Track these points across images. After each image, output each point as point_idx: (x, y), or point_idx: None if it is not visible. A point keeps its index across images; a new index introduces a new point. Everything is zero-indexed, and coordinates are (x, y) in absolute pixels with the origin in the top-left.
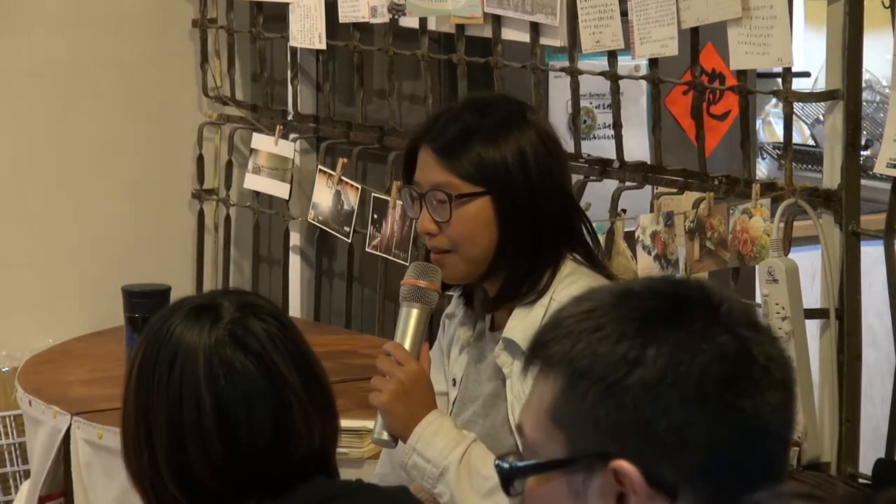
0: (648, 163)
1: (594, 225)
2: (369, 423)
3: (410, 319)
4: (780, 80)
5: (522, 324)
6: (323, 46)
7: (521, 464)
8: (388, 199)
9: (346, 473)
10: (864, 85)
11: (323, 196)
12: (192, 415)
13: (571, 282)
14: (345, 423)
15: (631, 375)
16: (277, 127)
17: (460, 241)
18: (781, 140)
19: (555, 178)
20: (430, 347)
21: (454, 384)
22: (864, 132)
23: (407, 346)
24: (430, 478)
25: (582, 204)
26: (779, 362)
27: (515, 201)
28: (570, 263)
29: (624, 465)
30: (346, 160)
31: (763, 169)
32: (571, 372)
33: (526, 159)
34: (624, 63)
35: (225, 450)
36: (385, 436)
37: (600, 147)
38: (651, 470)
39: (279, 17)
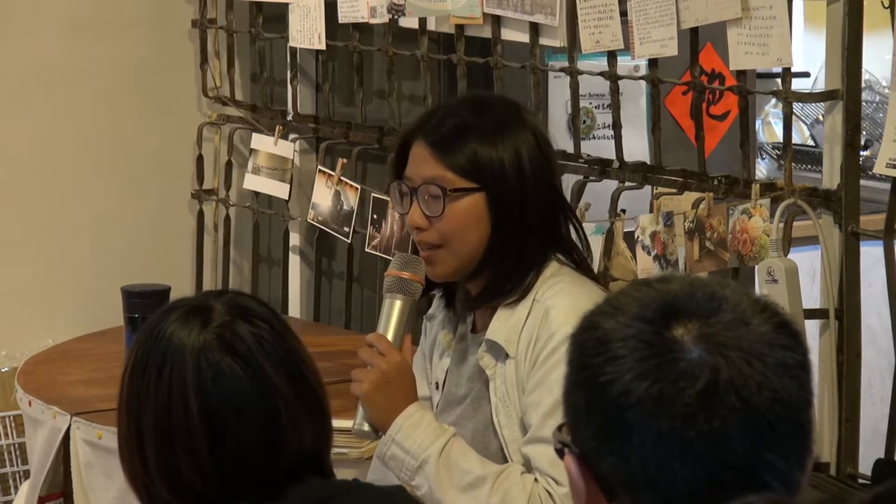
0: (648, 163)
1: (594, 225)
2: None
3: (393, 311)
4: (779, 80)
5: (505, 325)
6: (322, 47)
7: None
8: (388, 199)
9: (346, 474)
10: (863, 85)
11: (322, 196)
12: (180, 418)
13: (555, 282)
14: (345, 423)
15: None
16: (277, 127)
17: (451, 236)
18: (781, 140)
19: (548, 180)
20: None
21: (437, 388)
22: (864, 132)
23: (390, 337)
24: (409, 470)
25: (581, 204)
26: (746, 386)
27: (509, 200)
28: (554, 264)
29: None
30: (345, 160)
31: (763, 169)
32: (569, 359)
33: (521, 160)
34: (623, 63)
35: (212, 453)
36: (366, 427)
37: (600, 147)
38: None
39: (279, 17)
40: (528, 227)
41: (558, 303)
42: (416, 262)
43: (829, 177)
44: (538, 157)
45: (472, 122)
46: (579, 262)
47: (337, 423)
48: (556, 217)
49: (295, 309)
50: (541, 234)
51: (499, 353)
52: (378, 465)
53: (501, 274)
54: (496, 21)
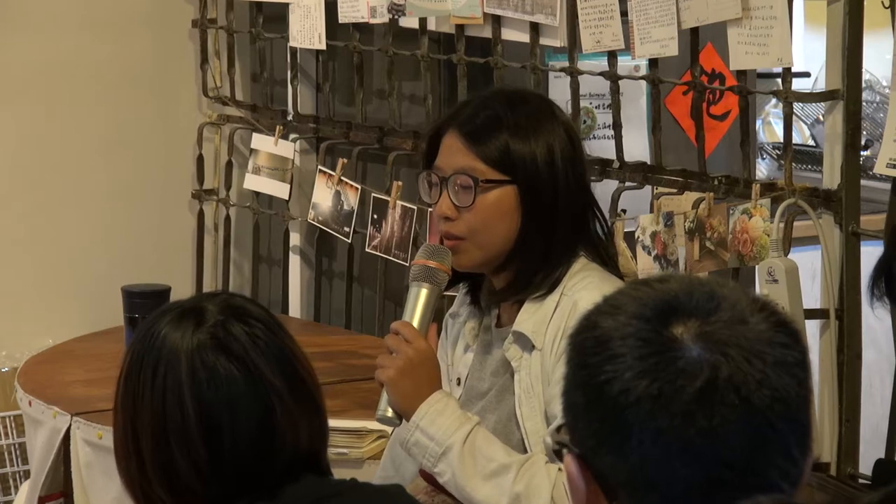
0: (648, 163)
1: None
2: (370, 424)
3: (419, 299)
4: (780, 80)
5: (533, 317)
6: (323, 47)
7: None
8: (388, 199)
9: (346, 473)
10: (864, 85)
11: (323, 196)
12: (176, 419)
13: (583, 277)
14: (345, 423)
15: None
16: (277, 127)
17: (479, 227)
18: (781, 140)
19: (579, 176)
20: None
21: (458, 383)
22: (864, 132)
23: (415, 325)
24: (432, 456)
25: None
26: (746, 384)
27: (539, 195)
28: (582, 260)
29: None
30: (345, 160)
31: (763, 169)
32: (568, 359)
33: (554, 156)
34: (624, 63)
35: (210, 454)
36: (390, 413)
37: (600, 147)
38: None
39: (279, 17)
40: (558, 222)
41: (587, 295)
42: (444, 252)
43: (830, 177)
44: (570, 153)
45: (505, 115)
46: (606, 261)
47: (336, 423)
48: (586, 214)
49: (295, 309)
50: (570, 230)
51: (525, 344)
52: (388, 463)
53: (528, 268)
54: (496, 21)
